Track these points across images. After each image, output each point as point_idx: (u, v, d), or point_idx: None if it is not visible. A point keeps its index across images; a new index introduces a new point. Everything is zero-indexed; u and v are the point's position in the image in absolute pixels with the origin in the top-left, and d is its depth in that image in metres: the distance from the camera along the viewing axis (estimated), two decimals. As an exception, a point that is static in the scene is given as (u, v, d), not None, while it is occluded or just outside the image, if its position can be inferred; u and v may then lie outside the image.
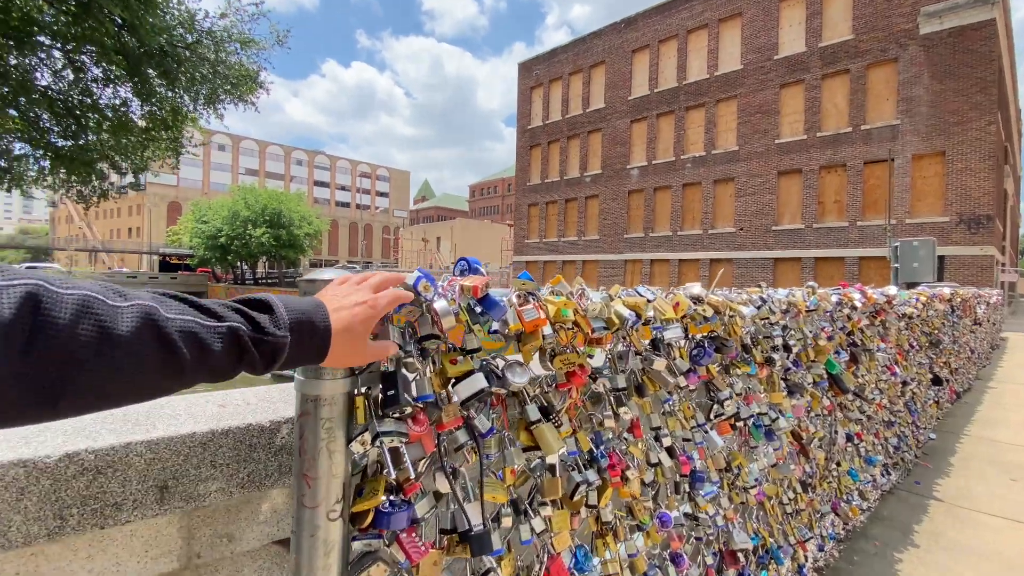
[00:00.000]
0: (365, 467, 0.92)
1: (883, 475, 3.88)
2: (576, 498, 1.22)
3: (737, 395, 1.91)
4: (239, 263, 50.47)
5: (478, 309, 1.00)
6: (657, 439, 1.55)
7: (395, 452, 0.86)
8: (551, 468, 1.18)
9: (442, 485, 0.97)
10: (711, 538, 1.87)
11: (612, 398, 1.34)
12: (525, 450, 1.13)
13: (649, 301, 1.35)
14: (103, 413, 1.07)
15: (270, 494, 1.13)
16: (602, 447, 1.31)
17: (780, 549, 2.33)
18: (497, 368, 1.07)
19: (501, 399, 1.11)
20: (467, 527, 0.96)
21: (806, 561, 2.68)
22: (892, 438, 4.04)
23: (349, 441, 0.85)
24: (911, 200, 20.02)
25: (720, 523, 1.90)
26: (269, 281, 52.14)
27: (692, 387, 1.68)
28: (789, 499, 2.39)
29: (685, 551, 1.72)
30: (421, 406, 0.92)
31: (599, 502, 1.29)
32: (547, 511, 1.16)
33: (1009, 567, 2.91)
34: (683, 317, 1.53)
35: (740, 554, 1.97)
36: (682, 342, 1.52)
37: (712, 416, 1.75)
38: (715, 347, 1.70)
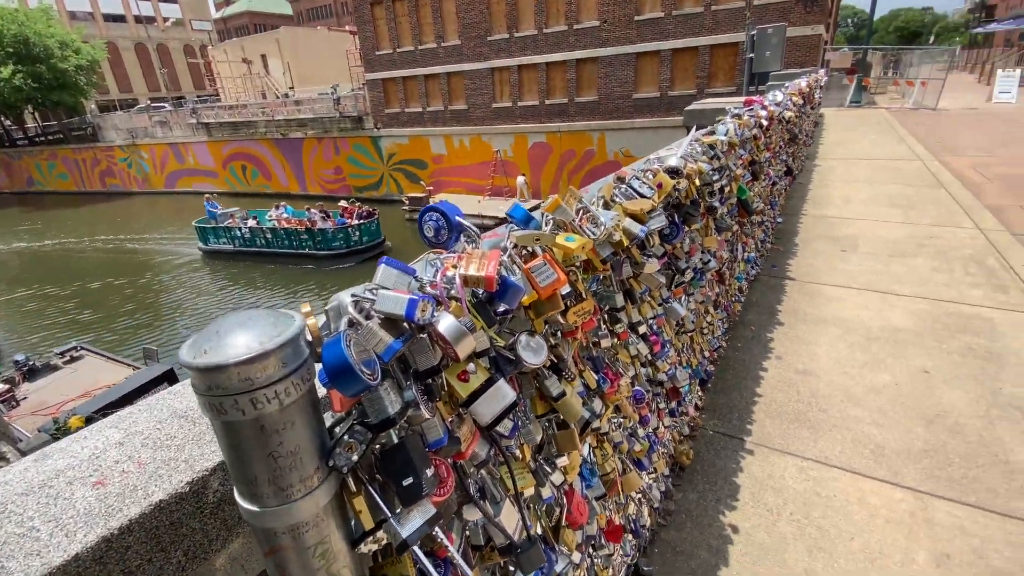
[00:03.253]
0: (375, 551, 0.67)
1: (753, 267, 4.49)
2: (585, 433, 1.11)
3: (686, 254, 1.86)
4: (-6, 117, 37.79)
5: (482, 293, 0.68)
6: (633, 330, 1.46)
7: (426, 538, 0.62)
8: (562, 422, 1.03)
9: (471, 514, 0.76)
10: (664, 387, 1.99)
11: (607, 316, 1.16)
12: (540, 417, 0.94)
13: (648, 198, 1.09)
14: None
15: (226, 549, 0.86)
16: (601, 373, 1.18)
17: (700, 366, 2.63)
18: (504, 348, 0.80)
19: (511, 377, 0.86)
20: (508, 541, 0.80)
21: (708, 360, 3.11)
22: (760, 234, 4.59)
23: (355, 544, 0.58)
24: (760, -23, 20.09)
25: (670, 372, 2.01)
26: (49, 139, 40.38)
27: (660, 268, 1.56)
28: (707, 323, 2.62)
29: (650, 410, 1.81)
30: (436, 456, 0.65)
31: (601, 423, 1.20)
32: (563, 460, 1.04)
33: (849, 328, 3.70)
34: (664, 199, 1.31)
35: (681, 388, 2.16)
36: (664, 225, 1.33)
37: (673, 286, 1.69)
38: (682, 219, 1.55)
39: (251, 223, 20.86)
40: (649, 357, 1.72)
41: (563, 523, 1.09)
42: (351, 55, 35.49)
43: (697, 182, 1.62)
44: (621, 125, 23.60)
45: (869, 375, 3.16)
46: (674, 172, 1.34)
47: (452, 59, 27.46)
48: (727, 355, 3.49)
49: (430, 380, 0.62)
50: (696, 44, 21.75)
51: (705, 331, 2.66)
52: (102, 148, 37.27)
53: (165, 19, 66.87)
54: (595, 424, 1.18)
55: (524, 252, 0.81)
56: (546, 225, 0.85)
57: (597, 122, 24.35)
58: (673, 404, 2.18)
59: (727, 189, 2.26)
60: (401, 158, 29.77)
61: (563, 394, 0.87)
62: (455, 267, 0.63)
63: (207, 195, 23.38)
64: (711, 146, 1.75)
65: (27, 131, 41.03)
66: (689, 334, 2.17)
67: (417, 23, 27.84)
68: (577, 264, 0.88)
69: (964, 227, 5.46)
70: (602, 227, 0.87)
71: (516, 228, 0.79)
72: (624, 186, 1.08)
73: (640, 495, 1.83)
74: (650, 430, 1.80)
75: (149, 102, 50.18)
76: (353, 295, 0.56)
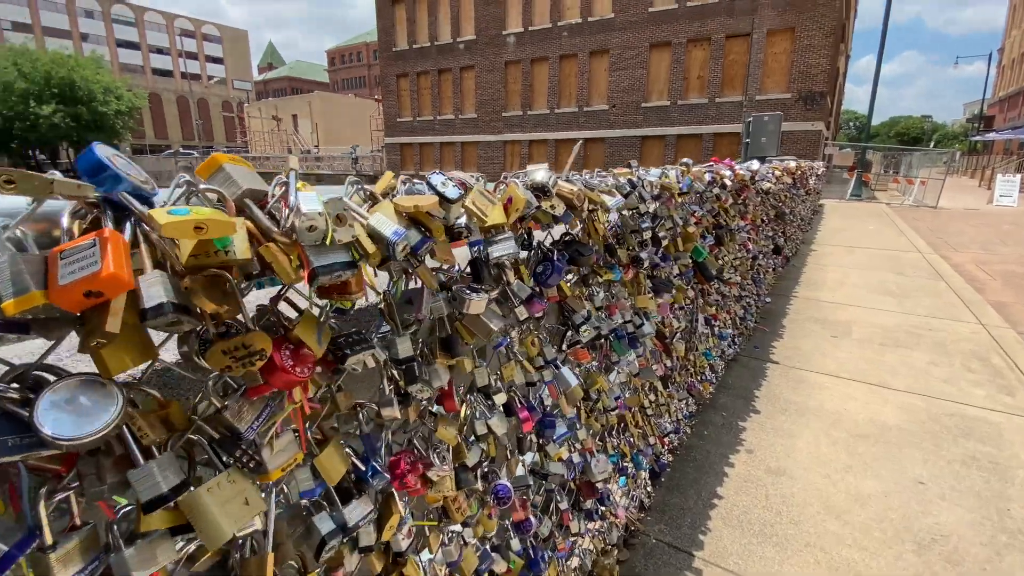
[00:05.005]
0: None
1: (730, 346, 4.09)
2: (325, 556, 0.70)
3: (597, 309, 1.49)
4: (30, 151, 39.57)
5: None
6: (488, 397, 1.08)
7: None
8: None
9: None
10: (566, 480, 1.55)
11: (393, 372, 0.79)
12: (175, 533, 0.54)
13: (449, 200, 0.75)
14: None
15: None
16: (378, 456, 0.78)
17: (640, 453, 2.18)
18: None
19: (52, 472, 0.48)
20: None
21: (664, 449, 2.64)
22: (740, 310, 4.23)
23: None
24: (762, 76, 21.18)
25: (577, 460, 1.58)
26: (76, 175, 41.94)
27: (539, 315, 1.20)
28: (651, 402, 2.20)
29: (535, 513, 1.37)
30: None
31: (381, 535, 0.79)
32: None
33: (835, 422, 3.22)
34: (521, 220, 0.98)
35: (599, 483, 1.71)
36: (519, 257, 0.98)
37: (565, 345, 1.32)
38: (569, 257, 1.21)
39: None
40: (535, 441, 1.31)
41: None
42: (374, 120, 37.39)
43: (601, 220, 1.29)
44: (625, 201, 24.03)
45: (853, 481, 2.66)
46: (540, 189, 1.01)
47: (468, 130, 28.72)
48: (690, 443, 3.02)
49: None
50: (700, 132, 22.59)
51: (650, 411, 2.23)
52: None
53: (210, 77, 71.98)
54: (363, 540, 0.77)
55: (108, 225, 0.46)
56: (189, 199, 0.51)
57: (602, 197, 24.83)
58: (589, 503, 1.72)
59: (667, 243, 1.93)
60: (409, 217, 30.35)
61: (173, 494, 0.48)
62: None
63: None
64: (631, 183, 1.45)
65: (59, 166, 42.86)
66: (613, 413, 1.76)
67: (438, 95, 29.44)
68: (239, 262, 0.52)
69: (965, 321, 5.07)
70: (303, 216, 0.53)
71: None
72: (418, 182, 0.75)
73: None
74: (531, 537, 1.35)
75: (180, 148, 52.65)
76: None
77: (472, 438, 1.04)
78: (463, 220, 0.82)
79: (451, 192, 0.74)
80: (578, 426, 1.56)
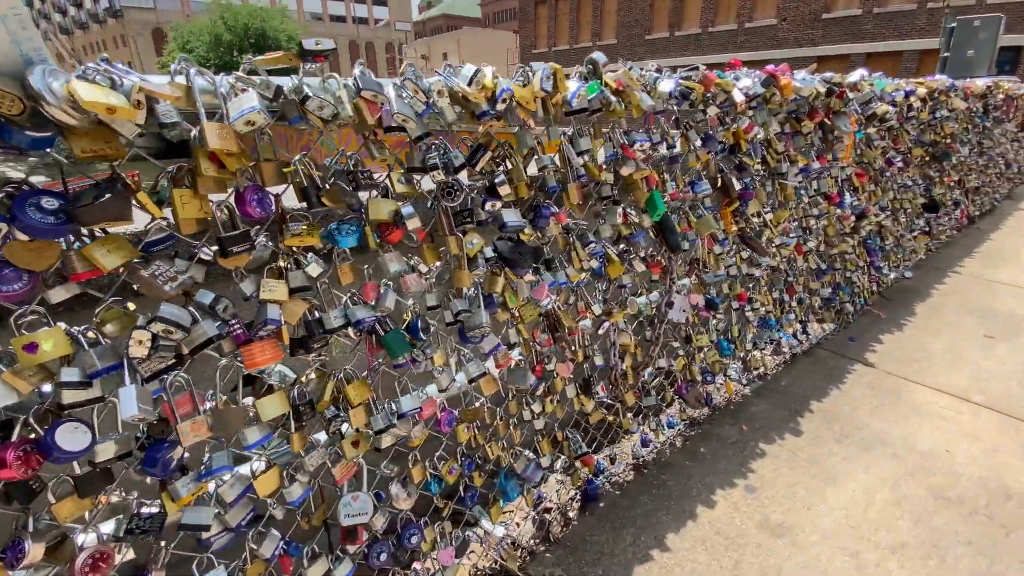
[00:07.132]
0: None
1: (797, 336, 3.03)
2: None
3: (243, 299, 0.95)
4: (236, 96, 46.93)
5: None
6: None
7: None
8: None
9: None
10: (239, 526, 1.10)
11: None
12: None
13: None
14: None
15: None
16: None
17: (515, 479, 1.61)
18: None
19: None
20: None
21: (602, 469, 2.00)
22: (824, 289, 3.08)
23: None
24: (1009, -37, 15.41)
25: (297, 496, 1.12)
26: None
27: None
28: (536, 412, 1.58)
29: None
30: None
31: None
32: None
33: (919, 469, 2.16)
34: None
35: (366, 527, 1.23)
36: None
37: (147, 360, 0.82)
38: (62, 208, 0.70)
39: None
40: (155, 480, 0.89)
41: None
42: (511, 53, 36.57)
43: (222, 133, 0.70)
44: (784, 140, 20.31)
45: (898, 573, 1.73)
46: None
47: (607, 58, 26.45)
48: (671, 462, 2.27)
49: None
50: (900, 48, 17.65)
51: (540, 423, 1.61)
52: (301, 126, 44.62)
53: (376, 21, 77.11)
54: None
55: None
56: None
57: (755, 134, 21.34)
58: (355, 548, 1.26)
59: (505, 189, 1.21)
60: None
61: None
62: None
63: None
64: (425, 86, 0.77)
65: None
66: (402, 432, 1.22)
67: (576, 21, 27.41)
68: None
69: None
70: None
71: None
72: None
73: None
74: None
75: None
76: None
77: None
78: None
79: None
80: (297, 453, 1.09)
